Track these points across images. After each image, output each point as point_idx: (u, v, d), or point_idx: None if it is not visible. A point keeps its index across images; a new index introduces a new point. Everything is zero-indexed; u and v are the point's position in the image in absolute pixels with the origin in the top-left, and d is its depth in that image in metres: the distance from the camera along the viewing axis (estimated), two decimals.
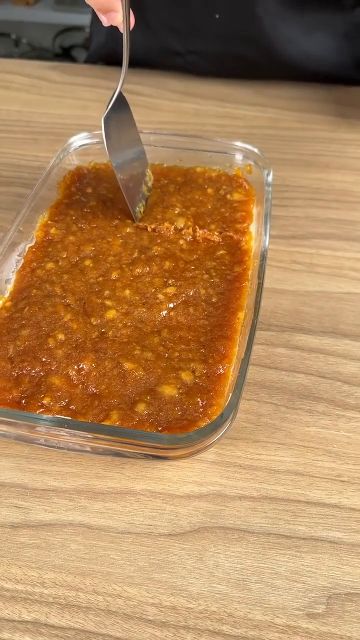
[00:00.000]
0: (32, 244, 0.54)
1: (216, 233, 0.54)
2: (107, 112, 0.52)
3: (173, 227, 0.55)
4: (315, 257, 0.59)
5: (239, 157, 0.61)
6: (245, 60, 0.82)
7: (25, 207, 0.54)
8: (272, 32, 0.78)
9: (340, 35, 0.80)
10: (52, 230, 0.55)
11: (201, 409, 0.41)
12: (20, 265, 0.52)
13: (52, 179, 0.58)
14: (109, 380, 0.43)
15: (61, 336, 0.45)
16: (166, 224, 0.55)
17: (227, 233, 0.54)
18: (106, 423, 0.40)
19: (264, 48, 0.79)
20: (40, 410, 0.41)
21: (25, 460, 0.43)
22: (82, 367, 0.44)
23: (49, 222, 0.56)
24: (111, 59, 0.91)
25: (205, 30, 0.81)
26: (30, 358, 0.44)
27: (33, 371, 0.43)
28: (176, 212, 0.56)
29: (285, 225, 0.62)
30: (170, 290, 0.49)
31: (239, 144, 0.60)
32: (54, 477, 0.42)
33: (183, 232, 0.55)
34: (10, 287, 0.51)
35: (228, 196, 0.59)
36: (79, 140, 0.62)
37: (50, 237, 0.55)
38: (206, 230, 0.54)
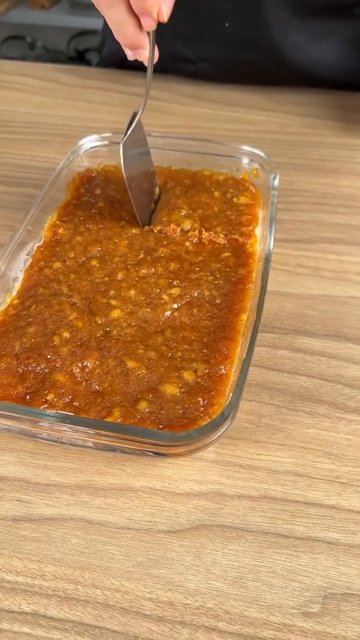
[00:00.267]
0: (41, 243, 0.55)
1: (222, 235, 0.55)
2: (126, 138, 0.53)
3: (179, 229, 0.56)
4: (321, 261, 0.59)
5: (246, 161, 0.61)
6: (255, 67, 0.83)
7: (35, 207, 0.55)
8: (281, 40, 0.78)
9: (348, 42, 0.80)
10: (60, 231, 0.56)
11: (202, 408, 0.41)
12: (29, 264, 0.53)
13: (61, 180, 0.59)
14: (112, 378, 0.43)
15: (66, 334, 0.46)
16: (172, 226, 0.56)
17: (233, 236, 0.55)
18: (108, 420, 0.41)
19: (273, 55, 0.80)
20: (44, 406, 0.42)
21: (29, 455, 0.44)
22: (86, 364, 0.44)
23: (58, 222, 0.57)
24: (122, 65, 0.92)
25: (215, 38, 0.82)
26: (35, 355, 0.45)
27: (38, 368, 0.44)
28: (183, 214, 0.57)
29: (291, 229, 0.63)
30: (175, 291, 0.50)
31: (246, 148, 0.61)
32: (57, 473, 0.43)
33: (189, 234, 0.55)
34: (18, 285, 0.51)
35: (234, 199, 0.59)
36: (88, 142, 0.63)
37: (58, 237, 0.56)
38: (212, 233, 0.55)
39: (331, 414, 0.46)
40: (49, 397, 0.42)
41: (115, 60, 0.94)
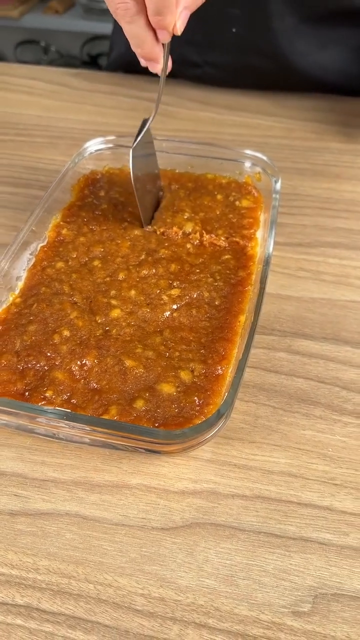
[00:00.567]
0: (44, 243, 0.56)
1: (222, 238, 0.55)
2: (136, 144, 0.54)
3: (181, 231, 0.56)
4: (322, 265, 0.59)
5: (248, 164, 0.62)
6: (261, 72, 0.84)
7: (39, 208, 0.56)
8: (287, 46, 0.79)
9: (355, 49, 0.80)
10: (64, 231, 0.57)
11: (198, 408, 0.42)
12: (32, 263, 0.54)
13: (66, 182, 0.60)
14: (109, 376, 0.44)
15: (66, 332, 0.47)
16: (175, 228, 0.56)
17: (234, 239, 0.56)
18: (105, 417, 0.41)
19: (280, 61, 0.81)
20: (43, 402, 0.42)
21: (27, 451, 0.45)
22: (85, 362, 0.45)
23: (62, 223, 0.58)
24: (130, 68, 0.94)
25: (222, 43, 0.82)
26: (35, 352, 0.46)
27: (38, 365, 0.45)
28: (185, 216, 0.57)
29: (294, 233, 0.63)
30: (175, 292, 0.50)
31: (249, 151, 0.61)
32: (54, 469, 0.43)
33: (190, 237, 0.56)
34: (20, 284, 0.52)
35: (237, 203, 0.60)
36: (94, 145, 0.64)
37: (61, 238, 0.56)
38: (213, 235, 0.56)
39: (327, 416, 0.46)
40: (48, 394, 0.43)
41: (122, 63, 0.96)
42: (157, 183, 0.62)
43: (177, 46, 0.85)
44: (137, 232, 0.56)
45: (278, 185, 0.57)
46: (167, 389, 0.43)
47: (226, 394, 0.40)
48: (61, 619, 0.36)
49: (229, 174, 0.63)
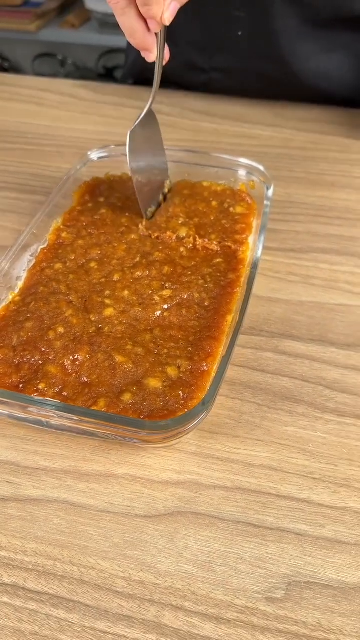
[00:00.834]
0: (45, 245, 0.59)
1: (215, 243, 0.58)
2: (135, 127, 0.57)
3: (175, 235, 0.58)
4: (312, 270, 0.61)
5: (243, 173, 0.64)
6: (266, 78, 0.85)
7: (41, 212, 0.59)
8: (289, 49, 0.80)
9: (357, 55, 0.81)
10: (64, 235, 0.59)
11: (182, 401, 0.44)
12: (32, 264, 0.57)
13: (67, 188, 0.63)
14: (100, 371, 0.46)
15: (61, 329, 0.49)
16: (169, 233, 0.58)
17: (226, 243, 0.58)
18: (93, 409, 0.43)
19: (283, 66, 0.82)
20: (36, 394, 0.45)
21: (20, 441, 0.47)
22: (77, 358, 0.47)
23: (62, 227, 0.61)
24: (142, 76, 0.97)
25: (229, 47, 0.84)
26: (31, 348, 0.48)
27: (33, 359, 0.47)
28: (180, 222, 0.60)
29: (286, 239, 0.65)
30: (167, 292, 0.52)
31: (243, 160, 0.63)
32: (45, 458, 0.46)
33: (184, 241, 0.58)
34: (20, 283, 0.55)
35: (231, 209, 0.62)
36: (96, 153, 0.67)
37: (61, 241, 0.59)
38: (206, 240, 0.58)
39: (310, 413, 0.48)
40: (40, 387, 0.45)
41: (134, 72, 0.99)
42: (164, 175, 0.63)
43: (184, 51, 0.88)
44: (133, 236, 0.59)
45: (270, 192, 0.59)
46: (154, 383, 0.45)
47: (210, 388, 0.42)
48: (45, 597, 0.38)
49: (225, 182, 0.65)
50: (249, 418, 0.48)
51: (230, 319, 0.50)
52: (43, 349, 0.48)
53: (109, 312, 0.51)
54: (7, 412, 0.44)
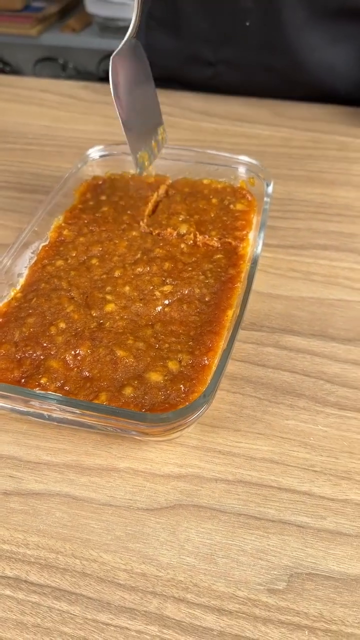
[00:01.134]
0: (46, 243, 0.59)
1: (215, 239, 0.58)
2: (118, 51, 0.53)
3: (176, 232, 0.59)
4: (312, 266, 0.61)
5: (243, 170, 0.64)
6: (271, 71, 0.86)
7: (41, 210, 0.59)
8: (296, 40, 0.80)
9: None
10: (65, 232, 0.60)
11: (183, 395, 0.44)
12: (33, 261, 0.57)
13: (68, 187, 0.63)
14: (101, 365, 0.46)
15: (62, 325, 0.49)
16: (169, 229, 0.59)
17: (226, 239, 0.58)
18: (95, 402, 0.43)
19: (289, 57, 0.82)
20: (37, 388, 0.45)
21: (23, 436, 0.47)
22: (79, 352, 0.47)
23: (63, 224, 0.61)
24: None
25: (236, 39, 0.84)
26: (33, 343, 0.48)
27: (34, 355, 0.47)
28: (180, 219, 0.60)
29: (286, 235, 0.65)
30: (167, 288, 0.53)
31: (243, 157, 0.64)
32: (47, 452, 0.46)
33: (185, 237, 0.58)
34: (22, 280, 0.55)
35: (231, 206, 0.62)
36: (96, 152, 0.67)
37: (62, 238, 0.59)
38: (207, 236, 0.58)
39: (311, 407, 0.48)
40: (42, 381, 0.45)
41: None
42: (157, 120, 0.60)
43: (190, 43, 0.88)
44: (134, 233, 0.59)
45: (270, 189, 0.60)
46: (155, 377, 0.45)
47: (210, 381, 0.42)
48: (47, 590, 0.38)
49: (225, 179, 0.65)
50: (250, 412, 0.48)
51: (230, 314, 0.50)
52: (45, 344, 0.48)
53: (110, 307, 0.51)
54: (9, 406, 0.44)
